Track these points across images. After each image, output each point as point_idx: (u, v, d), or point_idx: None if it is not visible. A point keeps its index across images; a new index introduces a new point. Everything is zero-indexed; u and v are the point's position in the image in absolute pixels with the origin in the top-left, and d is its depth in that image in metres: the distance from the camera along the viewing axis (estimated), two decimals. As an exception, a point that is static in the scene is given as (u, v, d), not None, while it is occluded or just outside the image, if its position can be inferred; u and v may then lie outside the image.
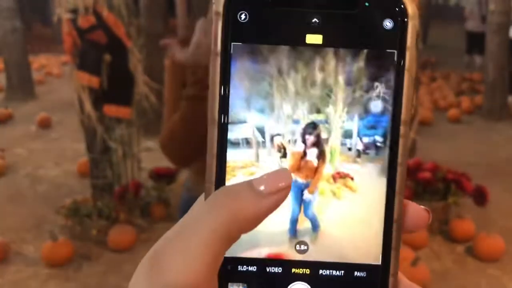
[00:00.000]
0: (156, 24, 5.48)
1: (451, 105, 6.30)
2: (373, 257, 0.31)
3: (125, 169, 3.43)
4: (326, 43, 0.31)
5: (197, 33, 1.25)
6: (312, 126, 0.32)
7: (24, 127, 5.83)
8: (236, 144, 0.32)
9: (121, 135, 3.35)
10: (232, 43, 0.31)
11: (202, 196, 0.32)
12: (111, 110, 3.26)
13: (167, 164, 3.68)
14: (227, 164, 0.31)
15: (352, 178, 0.32)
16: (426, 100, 6.38)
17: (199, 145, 1.25)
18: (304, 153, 0.32)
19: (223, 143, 0.31)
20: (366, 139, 0.32)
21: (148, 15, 5.45)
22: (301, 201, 0.32)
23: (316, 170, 0.32)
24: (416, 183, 3.14)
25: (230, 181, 0.31)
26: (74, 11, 3.13)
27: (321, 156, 0.32)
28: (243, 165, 0.32)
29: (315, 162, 0.32)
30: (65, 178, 4.20)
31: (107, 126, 3.31)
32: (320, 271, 0.31)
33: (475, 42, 8.12)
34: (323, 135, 0.32)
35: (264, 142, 0.32)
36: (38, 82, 7.83)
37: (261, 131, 0.32)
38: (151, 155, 4.42)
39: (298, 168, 0.32)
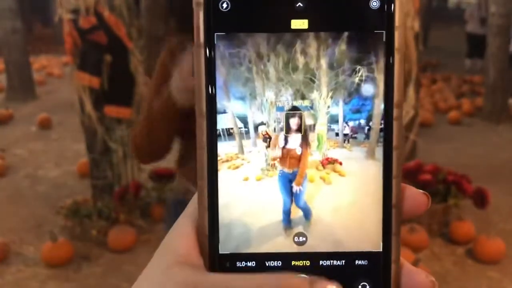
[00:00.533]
0: (157, 25, 5.48)
1: (452, 107, 6.30)
2: (374, 244, 0.30)
3: (125, 170, 3.43)
4: (311, 28, 0.30)
5: (177, 79, 1.18)
6: (292, 112, 0.31)
7: (24, 127, 5.83)
8: (218, 136, 0.31)
9: (121, 136, 3.35)
10: (216, 34, 0.30)
11: (194, 197, 0.32)
12: (111, 110, 3.26)
13: (167, 165, 3.68)
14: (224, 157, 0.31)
15: (340, 163, 0.31)
16: (427, 102, 6.38)
17: (163, 141, 1.25)
18: (286, 141, 0.31)
19: (213, 137, 0.30)
20: (352, 123, 0.31)
21: (149, 16, 5.45)
22: (291, 192, 0.31)
23: (300, 159, 0.31)
24: (417, 185, 3.12)
25: (226, 173, 0.31)
26: (75, 11, 3.14)
27: (304, 143, 0.31)
28: (227, 158, 0.31)
29: (298, 150, 0.31)
30: (65, 179, 4.19)
31: (107, 127, 3.31)
32: (321, 262, 0.30)
33: (476, 45, 8.12)
34: (308, 121, 0.31)
35: (247, 132, 0.31)
36: (38, 82, 7.83)
37: (244, 120, 0.31)
38: (152, 156, 4.41)
39: (281, 157, 0.31)
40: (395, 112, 0.30)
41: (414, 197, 0.31)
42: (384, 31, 0.30)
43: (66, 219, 3.17)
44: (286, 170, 0.31)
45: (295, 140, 0.31)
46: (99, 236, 3.05)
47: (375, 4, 0.30)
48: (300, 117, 0.31)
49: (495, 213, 3.36)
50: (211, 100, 0.30)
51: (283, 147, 0.31)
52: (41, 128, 5.78)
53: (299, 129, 0.31)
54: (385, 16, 0.30)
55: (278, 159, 0.31)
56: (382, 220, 0.30)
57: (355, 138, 0.31)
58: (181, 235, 0.31)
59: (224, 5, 0.29)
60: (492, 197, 3.14)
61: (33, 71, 7.61)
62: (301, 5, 0.29)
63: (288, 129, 0.31)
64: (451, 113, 6.05)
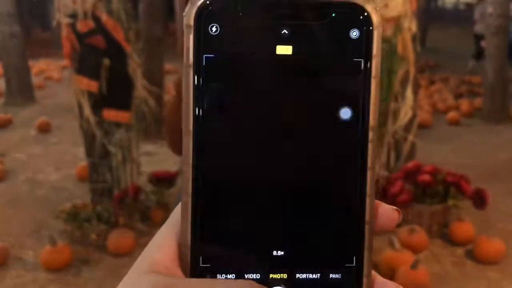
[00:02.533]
0: (155, 28, 5.48)
1: (451, 108, 6.31)
2: (348, 258, 0.33)
3: (125, 173, 3.43)
4: (295, 54, 0.31)
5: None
6: None
7: (23, 131, 5.83)
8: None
9: (120, 139, 3.35)
10: (204, 55, 0.31)
11: (178, 206, 0.33)
12: (110, 114, 3.26)
13: (166, 168, 3.68)
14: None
15: None
16: (425, 103, 6.39)
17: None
18: None
19: (199, 154, 0.31)
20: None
21: (147, 19, 5.46)
22: None
23: None
24: (416, 186, 3.14)
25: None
26: (73, 15, 3.14)
27: None
28: None
29: None
30: (64, 183, 4.19)
31: (106, 131, 3.31)
32: (297, 275, 0.32)
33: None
34: None
35: None
36: (37, 86, 7.84)
37: None
38: (151, 159, 4.42)
39: None
40: (370, 135, 0.32)
41: (386, 213, 0.34)
42: (362, 60, 0.32)
43: (66, 223, 3.17)
44: None
45: None
46: (98, 240, 3.05)
47: (355, 34, 0.32)
48: None
49: (495, 214, 3.36)
50: (198, 118, 0.31)
51: None
52: (40, 132, 5.78)
53: None
54: (364, 46, 0.32)
55: None
56: (356, 236, 0.33)
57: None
58: (161, 246, 0.32)
59: (213, 29, 0.31)
60: (491, 198, 3.14)
61: (32, 75, 7.62)
62: (286, 32, 0.31)
63: None
64: (450, 113, 6.06)
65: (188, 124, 0.31)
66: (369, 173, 0.32)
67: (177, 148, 1.40)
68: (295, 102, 0.32)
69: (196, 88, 0.31)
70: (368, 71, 0.32)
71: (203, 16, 0.31)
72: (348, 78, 0.32)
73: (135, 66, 3.31)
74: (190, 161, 0.31)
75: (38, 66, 9.77)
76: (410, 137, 3.50)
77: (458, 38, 9.87)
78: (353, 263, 0.33)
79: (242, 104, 0.32)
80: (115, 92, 3.24)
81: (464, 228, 3.06)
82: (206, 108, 0.31)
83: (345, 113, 0.32)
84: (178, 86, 1.29)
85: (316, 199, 0.33)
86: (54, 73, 9.29)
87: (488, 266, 2.84)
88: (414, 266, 2.52)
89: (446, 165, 3.51)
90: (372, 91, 0.32)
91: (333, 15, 0.32)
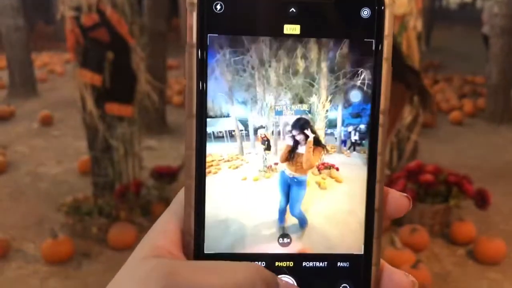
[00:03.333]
0: (159, 23, 5.47)
1: (454, 108, 6.29)
2: (356, 247, 0.31)
3: (126, 168, 3.43)
4: (303, 33, 0.30)
5: None
6: (303, 121, 0.31)
7: (26, 124, 5.83)
8: (220, 137, 0.31)
9: (122, 134, 3.35)
10: (208, 35, 0.30)
11: (181, 192, 0.32)
12: (113, 108, 3.25)
13: (168, 163, 3.68)
14: (212, 158, 0.31)
15: (337, 169, 0.32)
16: (429, 102, 6.37)
17: None
18: (296, 146, 0.31)
19: (202, 138, 0.30)
20: (350, 128, 0.32)
21: (151, 13, 5.45)
22: (287, 194, 0.32)
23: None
24: (418, 185, 3.13)
25: (215, 175, 0.31)
26: (78, 9, 3.13)
27: (317, 150, 0.32)
28: (228, 159, 0.31)
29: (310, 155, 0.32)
30: (66, 176, 4.19)
31: (108, 124, 3.31)
32: (304, 263, 0.31)
33: None
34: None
35: (247, 135, 0.32)
36: (40, 80, 7.84)
37: (244, 123, 0.32)
38: (153, 154, 4.42)
39: (290, 160, 0.32)
40: (380, 118, 0.31)
41: (396, 200, 0.32)
42: (373, 40, 0.30)
43: (67, 216, 3.17)
44: (288, 173, 0.32)
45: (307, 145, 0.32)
46: (99, 234, 3.05)
47: (366, 13, 0.30)
48: (310, 124, 0.32)
49: (496, 214, 3.35)
50: (201, 100, 0.30)
51: (294, 152, 0.32)
52: (43, 125, 5.78)
53: (313, 136, 0.32)
54: (375, 25, 0.30)
55: (286, 163, 0.32)
56: (365, 224, 0.31)
57: (352, 143, 0.32)
58: (162, 232, 0.31)
59: (218, 7, 0.30)
60: (493, 198, 3.14)
61: (35, 68, 7.62)
62: (294, 10, 0.30)
63: (297, 136, 0.32)
64: (453, 113, 6.04)
65: (192, 107, 0.30)
66: (378, 158, 0.31)
67: None
68: (303, 84, 0.31)
69: (199, 69, 0.30)
70: (379, 52, 0.31)
71: None
72: (358, 59, 0.31)
73: (138, 60, 3.30)
74: (193, 144, 0.30)
75: (41, 59, 9.77)
76: (413, 137, 3.49)
77: (463, 37, 9.84)
78: (361, 252, 0.31)
79: (251, 87, 0.31)
80: (118, 86, 3.24)
81: (465, 228, 3.05)
82: (211, 90, 0.30)
83: (355, 96, 0.31)
84: None
85: (328, 186, 0.32)
86: (57, 67, 9.29)
87: (489, 266, 2.83)
88: (415, 265, 2.51)
89: (448, 165, 3.51)
90: (384, 73, 0.31)
91: None
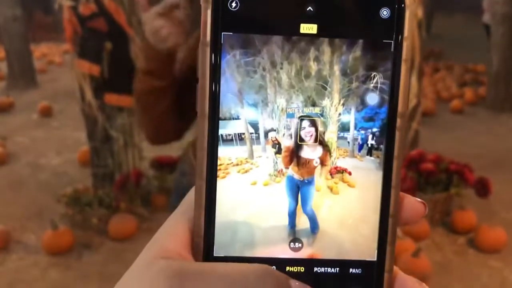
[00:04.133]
0: (158, 12, 5.43)
1: (454, 96, 6.26)
2: (369, 253, 0.31)
3: (126, 158, 3.42)
4: (321, 33, 0.29)
5: (155, 18, 1.12)
6: (310, 121, 0.31)
7: (25, 115, 5.82)
8: (229, 140, 0.31)
9: (122, 124, 3.33)
10: (223, 33, 0.29)
11: (190, 193, 0.32)
12: (112, 98, 3.24)
13: (168, 153, 3.67)
14: (220, 162, 0.30)
15: (350, 173, 0.31)
16: (429, 91, 6.34)
17: (162, 119, 1.21)
18: (299, 149, 0.31)
19: (214, 138, 0.30)
20: (364, 132, 0.31)
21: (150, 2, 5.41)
22: (297, 196, 0.31)
23: (317, 168, 0.31)
24: (419, 174, 3.13)
25: (224, 179, 0.30)
26: (75, -2, 3.11)
27: (324, 156, 0.31)
28: (237, 163, 0.31)
29: (316, 162, 0.31)
30: (66, 167, 4.19)
31: (108, 115, 3.29)
32: (315, 269, 0.31)
33: None
34: (319, 129, 0.31)
35: (258, 138, 0.31)
36: (39, 70, 7.81)
37: (255, 126, 0.31)
38: (153, 145, 4.40)
39: (295, 164, 0.31)
40: (398, 122, 0.30)
41: (411, 206, 0.32)
42: (392, 41, 0.30)
43: (67, 207, 3.17)
44: (296, 177, 0.31)
45: (314, 151, 0.31)
46: (100, 224, 3.05)
47: (385, 14, 0.30)
48: (317, 125, 0.31)
49: (497, 203, 3.35)
50: (214, 100, 0.30)
51: (300, 157, 0.31)
52: (42, 116, 5.77)
53: (317, 139, 0.31)
54: (395, 26, 0.30)
55: (292, 167, 0.31)
56: (379, 229, 0.31)
57: (366, 147, 0.31)
58: (172, 233, 0.31)
59: (233, 4, 0.29)
60: (494, 187, 3.13)
61: (34, 59, 7.59)
62: (311, 9, 0.29)
63: (303, 137, 0.31)
64: (454, 102, 6.02)
65: (204, 107, 0.29)
66: (395, 163, 0.30)
67: (155, 137, 1.34)
68: (320, 87, 0.30)
69: (213, 68, 0.29)
70: (398, 53, 0.30)
71: None
72: (376, 61, 0.30)
73: (137, 50, 3.27)
74: (205, 145, 0.30)
75: (40, 50, 9.74)
76: (414, 125, 3.48)
77: (463, 25, 9.79)
78: (374, 258, 0.31)
79: (264, 88, 0.30)
80: (117, 76, 3.21)
81: (466, 216, 3.05)
82: (223, 91, 0.30)
83: (372, 98, 0.30)
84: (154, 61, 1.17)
85: (340, 190, 0.31)
86: (56, 57, 9.26)
87: (490, 255, 2.83)
88: (415, 254, 2.51)
89: (449, 153, 3.50)
90: (402, 75, 0.30)
91: None
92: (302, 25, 0.29)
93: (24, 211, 3.37)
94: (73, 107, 4.20)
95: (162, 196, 3.37)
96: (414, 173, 3.12)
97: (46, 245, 2.85)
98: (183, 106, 1.22)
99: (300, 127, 0.30)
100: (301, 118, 0.30)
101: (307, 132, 0.31)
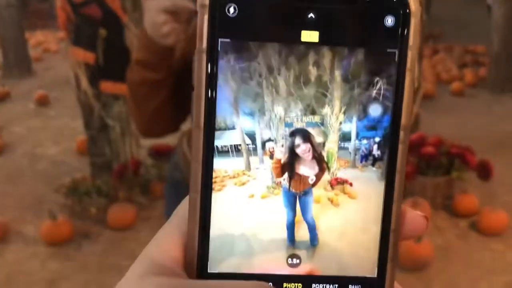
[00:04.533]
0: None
1: (454, 78, 6.22)
2: (369, 269, 0.30)
3: (124, 147, 3.39)
4: (322, 41, 0.28)
5: (151, 11, 1.05)
6: (303, 136, 0.29)
7: (21, 105, 5.77)
8: (225, 152, 0.29)
9: (118, 112, 3.29)
10: (220, 40, 0.28)
11: (182, 205, 0.30)
12: (107, 86, 3.19)
13: (166, 142, 3.64)
14: (215, 174, 0.29)
15: (351, 184, 0.30)
16: (429, 73, 6.29)
17: (155, 112, 1.15)
18: (293, 164, 0.30)
19: (209, 149, 0.28)
20: (365, 142, 0.30)
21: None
22: (295, 207, 0.30)
23: (312, 185, 0.30)
24: (420, 158, 3.10)
25: (219, 192, 0.29)
26: (67, -16, 3.05)
27: (320, 173, 0.30)
28: (234, 175, 0.30)
29: (311, 179, 0.30)
30: (63, 156, 4.16)
31: (104, 103, 3.25)
32: (313, 286, 0.30)
33: None
34: (318, 139, 0.29)
35: (255, 149, 0.30)
36: (35, 59, 7.74)
37: (252, 136, 0.30)
38: (151, 132, 4.37)
39: (289, 178, 0.30)
40: (401, 135, 0.29)
41: (413, 220, 0.31)
42: (396, 51, 0.29)
43: (65, 197, 3.15)
44: (292, 189, 0.30)
45: (310, 168, 0.30)
46: (98, 214, 3.04)
47: (390, 23, 0.28)
48: (311, 140, 0.29)
49: (499, 186, 3.32)
50: (210, 109, 0.28)
51: (295, 173, 0.30)
52: (39, 105, 5.73)
53: (313, 156, 0.30)
54: (399, 35, 0.29)
55: (286, 180, 0.30)
56: (379, 245, 0.30)
57: (367, 157, 0.30)
58: (164, 248, 0.29)
59: (231, 10, 0.28)
60: (496, 169, 3.11)
61: (29, 47, 7.51)
62: (313, 16, 0.28)
63: (296, 151, 0.30)
64: (454, 84, 5.98)
65: (199, 118, 0.28)
66: (397, 177, 0.29)
67: (147, 130, 1.28)
68: (321, 95, 0.29)
69: (209, 76, 0.28)
70: (402, 63, 0.29)
71: None
72: (379, 70, 0.29)
73: (132, 37, 3.22)
74: (200, 156, 0.28)
75: (36, 38, 9.64)
76: (414, 108, 3.44)
77: (463, 6, 9.69)
78: (375, 275, 0.30)
79: (261, 97, 0.29)
80: (112, 63, 3.16)
81: (468, 200, 3.03)
82: (219, 100, 0.28)
83: (375, 110, 0.29)
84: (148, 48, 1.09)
85: (341, 202, 0.30)
86: (51, 45, 9.18)
87: (491, 238, 2.82)
88: (418, 239, 2.49)
89: (450, 136, 3.46)
90: (406, 86, 0.29)
91: None
92: (303, 33, 0.28)
93: (22, 201, 3.35)
94: (70, 95, 4.16)
95: (160, 185, 3.34)
96: (414, 157, 3.09)
97: (44, 236, 2.84)
98: (179, 97, 1.17)
99: (295, 144, 0.29)
100: (294, 132, 0.29)
101: (303, 150, 0.29)
